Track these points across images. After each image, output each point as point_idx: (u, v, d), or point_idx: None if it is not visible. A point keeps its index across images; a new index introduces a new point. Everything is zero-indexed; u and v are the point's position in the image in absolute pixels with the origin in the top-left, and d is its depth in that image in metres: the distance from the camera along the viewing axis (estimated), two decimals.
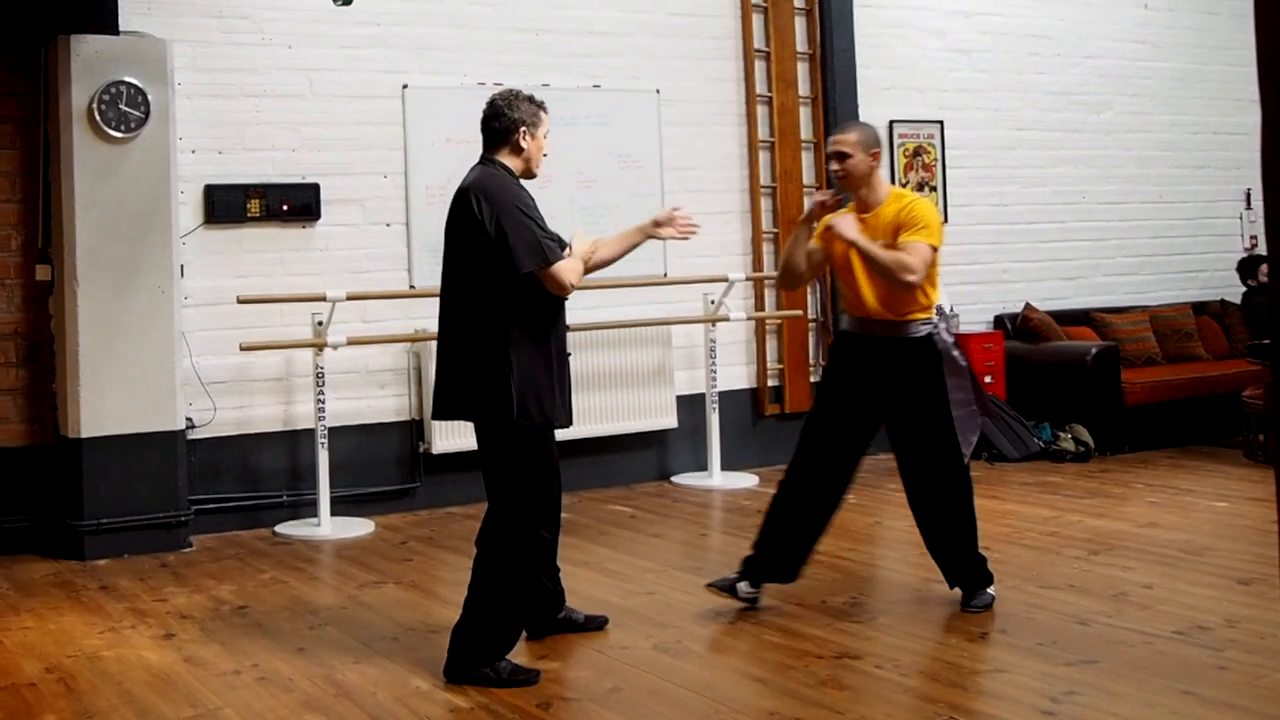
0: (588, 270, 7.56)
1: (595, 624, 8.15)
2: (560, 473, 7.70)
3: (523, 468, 7.29)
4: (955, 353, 8.22)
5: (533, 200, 7.38)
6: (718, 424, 13.06)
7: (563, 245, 7.34)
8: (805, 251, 8.39)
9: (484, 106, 7.60)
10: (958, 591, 8.47)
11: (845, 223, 7.98)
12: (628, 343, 11.61)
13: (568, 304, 7.48)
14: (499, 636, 7.21)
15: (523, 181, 7.55)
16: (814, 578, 9.00)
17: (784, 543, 8.39)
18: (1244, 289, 16.03)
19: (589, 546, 10.41)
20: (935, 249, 8.03)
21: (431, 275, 12.01)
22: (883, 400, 8.24)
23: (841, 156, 8.18)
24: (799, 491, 8.37)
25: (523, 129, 7.50)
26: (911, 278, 7.85)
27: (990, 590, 8.32)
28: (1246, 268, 15.92)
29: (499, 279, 7.18)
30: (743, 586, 8.41)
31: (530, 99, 7.62)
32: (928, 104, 14.97)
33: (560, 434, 7.55)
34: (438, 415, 7.61)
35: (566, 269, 7.23)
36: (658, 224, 7.88)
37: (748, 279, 13.27)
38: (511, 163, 7.53)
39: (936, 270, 8.18)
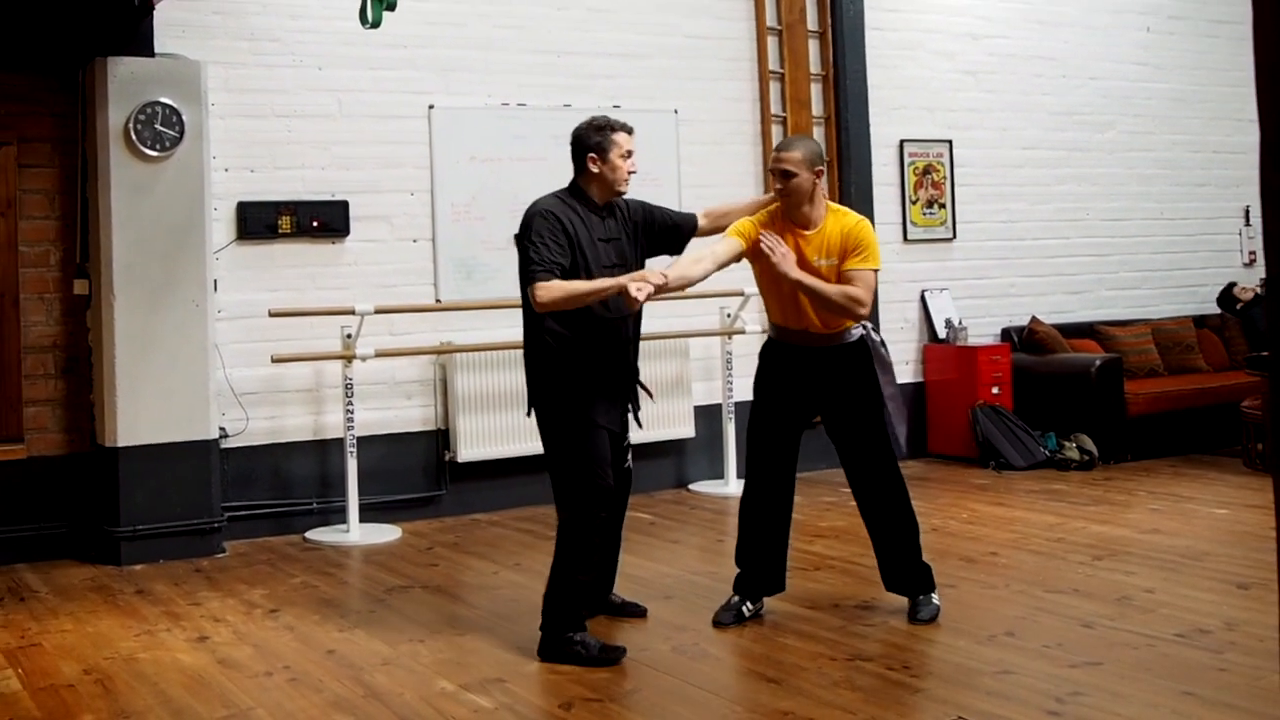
0: (580, 296, 7.65)
1: (631, 610, 8.49)
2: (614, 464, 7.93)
3: (560, 453, 7.79)
4: (884, 350, 8.28)
5: (556, 225, 7.73)
6: (734, 433, 12.97)
7: (559, 268, 7.62)
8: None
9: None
10: (964, 596, 8.46)
11: (787, 261, 7.81)
12: (647, 355, 11.46)
13: None
14: (565, 603, 7.62)
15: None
16: (826, 582, 9.15)
17: (762, 553, 8.38)
18: (1241, 302, 15.84)
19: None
20: (877, 271, 8.09)
21: (457, 290, 12.06)
22: (819, 401, 8.26)
23: (786, 175, 7.98)
24: (760, 503, 8.36)
25: (590, 155, 7.92)
26: (862, 311, 7.95)
27: (935, 598, 8.21)
28: (1226, 301, 15.94)
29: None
30: (746, 608, 8.37)
31: (601, 126, 7.97)
32: (937, 123, 14.90)
33: None
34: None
35: (539, 289, 7.54)
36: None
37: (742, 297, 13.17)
38: (587, 185, 8.00)
39: None
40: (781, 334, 8.26)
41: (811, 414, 8.37)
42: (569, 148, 8.02)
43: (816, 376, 8.17)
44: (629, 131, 8.03)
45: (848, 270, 7.90)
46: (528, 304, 7.68)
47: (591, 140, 7.91)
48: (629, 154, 7.96)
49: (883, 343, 8.30)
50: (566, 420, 7.76)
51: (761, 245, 7.90)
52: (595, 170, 7.89)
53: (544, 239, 7.65)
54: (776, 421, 8.30)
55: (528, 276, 7.62)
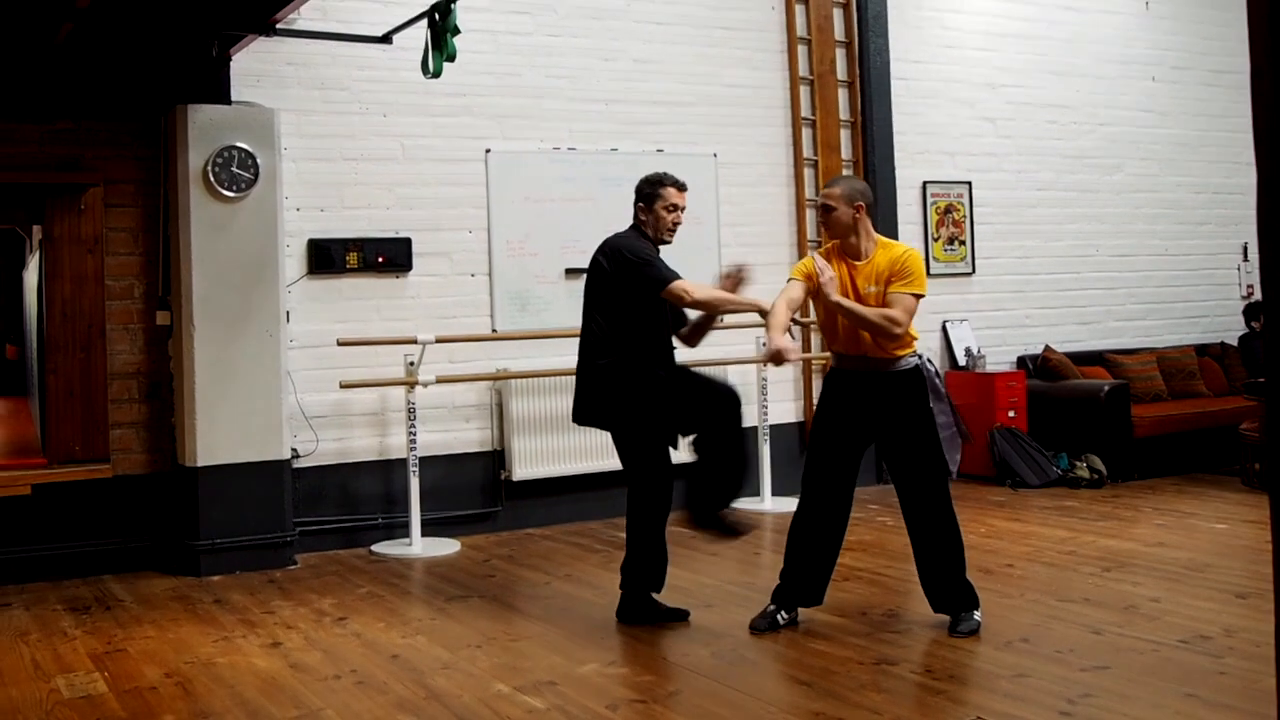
0: (720, 303, 8.40)
1: (674, 615, 8.54)
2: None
3: (641, 457, 8.52)
4: (938, 380, 8.13)
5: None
6: (769, 454, 12.94)
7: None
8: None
9: None
10: (983, 605, 8.31)
11: (830, 285, 7.79)
12: None
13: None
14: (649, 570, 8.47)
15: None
16: (854, 592, 9.15)
17: (807, 569, 8.31)
18: (1245, 330, 15.91)
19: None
20: (920, 298, 7.95)
21: (512, 320, 12.05)
22: (875, 426, 8.15)
23: (827, 209, 8.08)
24: (812, 522, 8.28)
25: (638, 204, 8.51)
26: (898, 330, 7.81)
27: (976, 615, 8.07)
28: (1252, 311, 15.82)
29: None
30: (781, 616, 8.33)
31: (655, 180, 8.45)
32: (957, 166, 14.82)
33: None
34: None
35: (687, 284, 8.21)
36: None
37: (796, 324, 13.00)
38: (643, 229, 8.50)
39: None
40: (841, 361, 8.21)
41: (868, 439, 8.28)
42: (626, 190, 8.54)
43: (872, 402, 8.09)
44: (680, 187, 8.32)
45: (890, 293, 7.85)
46: (607, 329, 8.15)
47: (643, 191, 8.41)
48: (674, 207, 8.26)
49: (938, 373, 8.18)
50: (647, 436, 8.36)
51: (814, 267, 7.89)
52: (643, 218, 8.41)
53: (655, 254, 8.24)
54: (833, 444, 8.22)
55: (664, 278, 8.07)
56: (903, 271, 7.90)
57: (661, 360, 8.36)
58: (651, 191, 8.39)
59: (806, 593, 8.34)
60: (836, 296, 7.78)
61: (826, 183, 8.64)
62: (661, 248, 8.43)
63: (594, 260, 8.41)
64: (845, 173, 13.54)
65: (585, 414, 8.43)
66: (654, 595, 8.52)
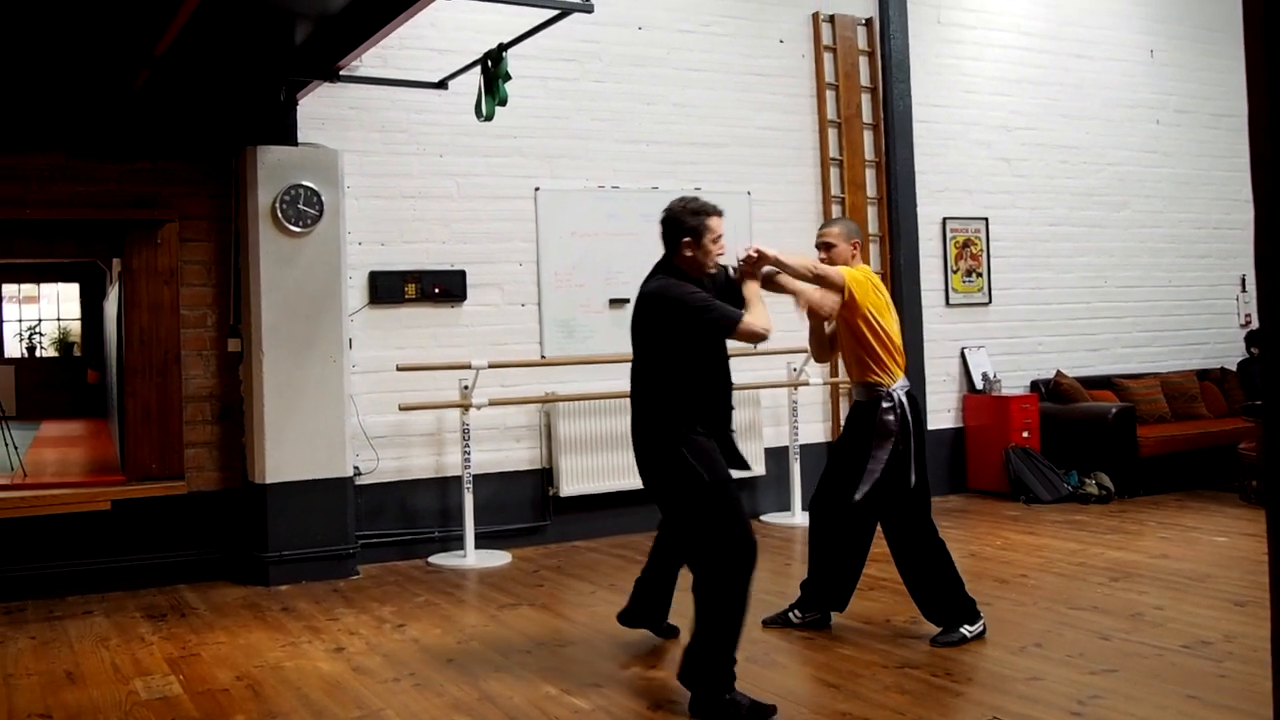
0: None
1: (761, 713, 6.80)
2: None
3: (710, 517, 6.96)
4: (889, 417, 7.92)
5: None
6: (799, 471, 12.90)
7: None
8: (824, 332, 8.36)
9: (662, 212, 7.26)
10: (998, 612, 8.53)
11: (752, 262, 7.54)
12: None
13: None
14: (721, 664, 6.74)
15: None
16: (879, 600, 9.16)
17: (820, 576, 8.40)
18: (1244, 356, 15.93)
19: (689, 575, 10.17)
20: (844, 287, 7.86)
21: (559, 347, 12.02)
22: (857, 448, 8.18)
23: (827, 246, 8.23)
24: (818, 531, 8.42)
25: (686, 239, 7.08)
26: (821, 270, 7.84)
27: (965, 629, 7.99)
28: (1253, 337, 15.68)
29: None
30: (794, 615, 8.45)
31: (696, 211, 7.11)
32: (975, 203, 14.76)
33: None
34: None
35: (752, 322, 7.03)
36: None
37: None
38: (680, 264, 7.12)
39: (886, 348, 8.02)
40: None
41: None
42: (660, 226, 7.24)
43: (849, 427, 8.32)
44: (720, 215, 7.22)
45: None
46: (654, 382, 7.03)
47: (688, 224, 7.06)
48: (719, 238, 7.17)
49: (898, 418, 7.94)
50: (713, 485, 6.88)
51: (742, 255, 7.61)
52: (689, 254, 7.07)
53: (704, 295, 7.00)
54: (833, 461, 8.43)
55: (727, 321, 6.93)
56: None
57: (722, 421, 7.25)
58: (698, 224, 7.05)
59: (826, 597, 8.42)
60: (774, 252, 7.53)
61: (824, 224, 8.63)
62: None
63: (640, 307, 7.20)
64: (842, 214, 13.49)
65: (643, 472, 7.22)
66: (732, 691, 6.76)
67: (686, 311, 6.96)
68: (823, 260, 8.14)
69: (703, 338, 7.06)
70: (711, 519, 6.85)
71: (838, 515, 8.25)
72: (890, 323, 8.06)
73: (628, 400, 12.03)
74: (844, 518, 8.22)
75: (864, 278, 8.03)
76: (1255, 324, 15.66)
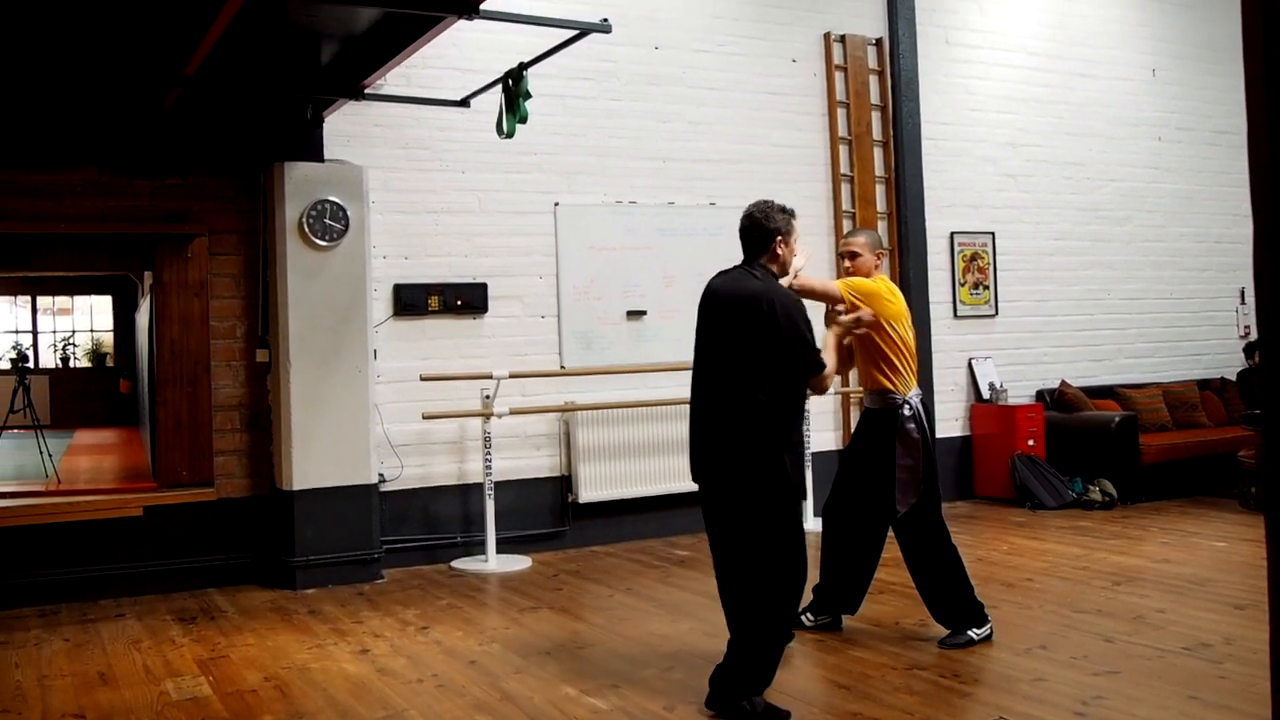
0: None
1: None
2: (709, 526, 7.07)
3: (782, 533, 6.80)
4: (910, 425, 7.95)
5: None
6: (811, 478, 12.65)
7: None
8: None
9: (743, 216, 7.03)
10: (1005, 615, 8.57)
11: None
12: None
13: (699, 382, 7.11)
14: (763, 669, 6.71)
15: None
16: (889, 604, 9.17)
17: (831, 580, 8.43)
18: (1243, 367, 15.89)
19: (708, 579, 10.11)
20: (835, 294, 7.87)
21: (578, 358, 11.99)
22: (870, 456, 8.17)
23: (852, 255, 8.24)
24: (830, 536, 8.44)
25: (779, 238, 6.94)
26: (811, 282, 7.68)
27: (972, 633, 8.00)
28: (1251, 349, 15.73)
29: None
30: (806, 618, 8.42)
31: (783, 209, 7.02)
32: (982, 218, 14.73)
33: (693, 485, 7.13)
34: (701, 478, 6.97)
35: (832, 374, 7.16)
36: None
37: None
38: (769, 264, 6.95)
39: (902, 356, 8.02)
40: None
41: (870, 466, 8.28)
42: (746, 227, 7.02)
43: (862, 434, 8.26)
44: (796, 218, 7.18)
45: None
46: (761, 385, 6.67)
47: (782, 225, 6.92)
48: (797, 238, 7.09)
49: (918, 425, 7.99)
50: (793, 503, 6.75)
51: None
52: (780, 252, 6.93)
53: (810, 328, 6.82)
54: (843, 468, 8.42)
55: (819, 367, 6.78)
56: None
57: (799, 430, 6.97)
58: (787, 224, 6.97)
59: (838, 600, 8.42)
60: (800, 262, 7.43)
61: (849, 233, 8.67)
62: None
63: (750, 306, 6.77)
64: (865, 226, 13.49)
65: (732, 484, 6.78)
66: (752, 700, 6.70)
67: (799, 336, 6.73)
68: (847, 269, 8.23)
69: (786, 363, 6.75)
70: (789, 527, 6.75)
71: (850, 521, 8.27)
72: (906, 332, 8.05)
73: (644, 409, 12.13)
74: (856, 523, 8.24)
75: (884, 289, 8.04)
76: (1254, 335, 15.68)
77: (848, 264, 8.25)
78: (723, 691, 6.68)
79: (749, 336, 6.73)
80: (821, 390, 6.94)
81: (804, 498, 6.94)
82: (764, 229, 6.94)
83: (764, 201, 7.08)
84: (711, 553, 7.05)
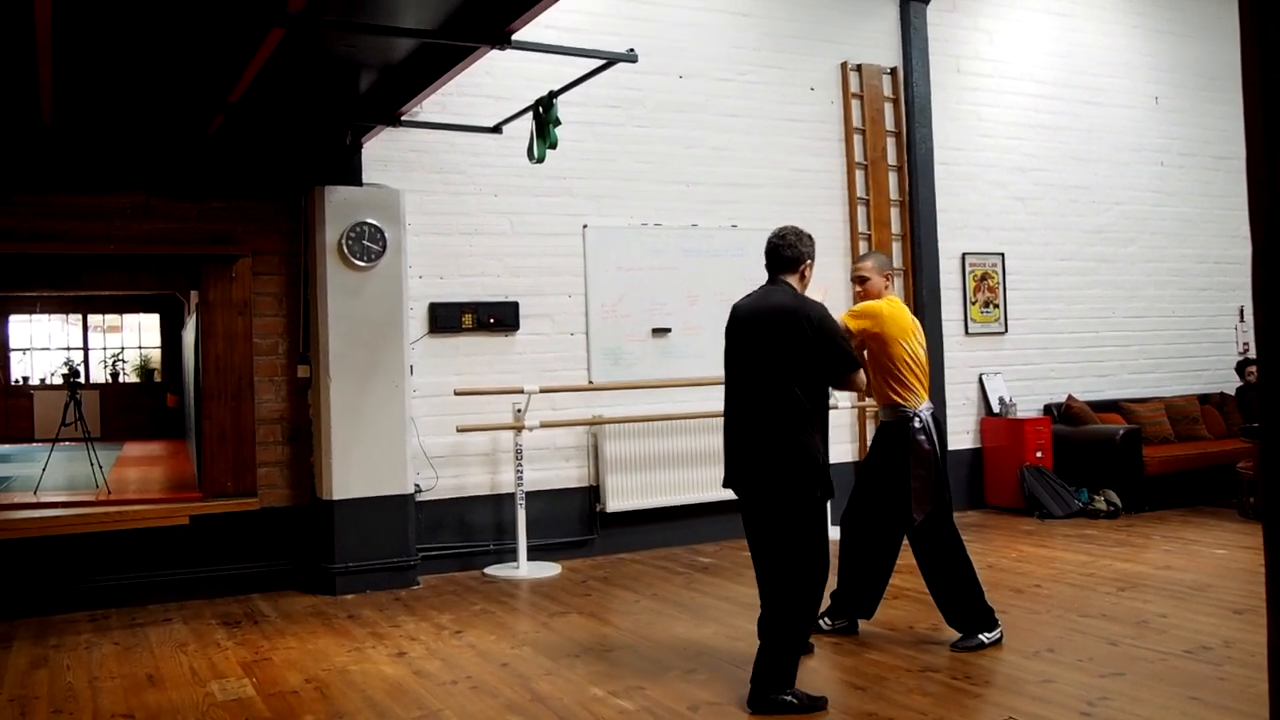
0: None
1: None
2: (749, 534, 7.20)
3: (811, 535, 6.91)
4: (921, 437, 7.97)
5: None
6: None
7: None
8: None
9: (772, 238, 7.20)
10: (1013, 620, 8.57)
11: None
12: None
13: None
14: (791, 664, 6.79)
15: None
16: (903, 609, 9.17)
17: (847, 585, 8.43)
18: (1240, 383, 15.74)
19: (730, 585, 10.30)
20: (847, 332, 7.84)
21: (606, 373, 11.99)
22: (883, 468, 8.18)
23: (862, 280, 8.32)
24: (847, 543, 8.47)
25: (808, 262, 7.17)
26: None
27: (983, 636, 8.00)
28: (1242, 367, 15.64)
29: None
30: (824, 622, 8.42)
31: (809, 237, 7.23)
32: (992, 239, 14.70)
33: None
34: (740, 484, 7.07)
35: (864, 375, 7.32)
36: None
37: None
38: (796, 285, 7.10)
39: (912, 370, 8.06)
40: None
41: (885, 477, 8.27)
42: (776, 249, 7.16)
43: (878, 447, 8.27)
44: None
45: None
46: (807, 402, 6.79)
47: (810, 252, 7.14)
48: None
49: (929, 437, 8.00)
50: (822, 507, 6.84)
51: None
52: (807, 276, 7.14)
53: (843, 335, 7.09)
54: (861, 479, 8.44)
55: (857, 366, 6.98)
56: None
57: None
58: (812, 251, 7.20)
59: (854, 605, 8.42)
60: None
61: (859, 258, 8.60)
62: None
63: (788, 318, 6.90)
64: (869, 250, 13.44)
65: (770, 486, 6.86)
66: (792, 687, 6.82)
67: (838, 334, 6.99)
68: (858, 294, 8.30)
69: (824, 365, 6.90)
70: (818, 530, 6.87)
71: (866, 530, 8.28)
72: (916, 347, 8.06)
73: (670, 422, 12.12)
74: (872, 532, 8.25)
75: (884, 308, 8.09)
76: (1251, 352, 15.63)
77: (858, 289, 8.33)
78: (762, 690, 6.75)
79: (788, 345, 6.85)
80: (860, 387, 7.13)
81: (833, 495, 6.92)
82: (796, 250, 7.14)
83: (791, 229, 7.24)
84: (753, 557, 7.17)
